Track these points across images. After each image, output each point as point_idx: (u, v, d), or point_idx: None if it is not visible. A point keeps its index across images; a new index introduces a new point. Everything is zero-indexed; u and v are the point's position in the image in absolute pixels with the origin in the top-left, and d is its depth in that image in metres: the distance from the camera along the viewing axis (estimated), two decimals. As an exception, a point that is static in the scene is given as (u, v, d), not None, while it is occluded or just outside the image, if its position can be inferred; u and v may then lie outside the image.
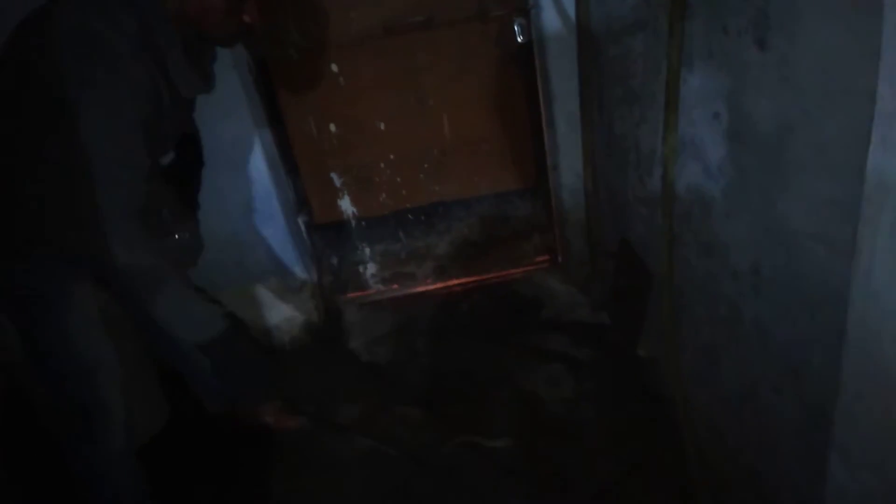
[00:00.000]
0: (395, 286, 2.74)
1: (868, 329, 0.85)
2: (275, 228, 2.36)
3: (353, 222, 2.65)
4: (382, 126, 2.45)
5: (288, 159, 2.45)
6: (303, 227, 2.56)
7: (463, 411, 2.13)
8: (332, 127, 2.44)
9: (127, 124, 1.32)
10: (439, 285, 2.72)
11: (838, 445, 0.97)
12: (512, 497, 1.81)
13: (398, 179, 2.56)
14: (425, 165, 2.55)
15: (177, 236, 1.87)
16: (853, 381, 0.92)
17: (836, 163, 0.95)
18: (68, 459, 1.59)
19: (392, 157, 2.52)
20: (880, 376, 0.84)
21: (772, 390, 1.34)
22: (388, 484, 1.92)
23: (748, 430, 1.49)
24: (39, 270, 1.47)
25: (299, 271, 2.47)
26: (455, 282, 2.72)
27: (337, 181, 2.54)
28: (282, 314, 2.50)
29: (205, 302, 1.65)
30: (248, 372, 2.05)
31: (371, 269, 2.75)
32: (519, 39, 2.26)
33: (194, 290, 1.68)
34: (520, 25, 2.24)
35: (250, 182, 2.27)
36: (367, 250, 2.72)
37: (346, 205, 2.60)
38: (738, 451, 1.55)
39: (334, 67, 2.34)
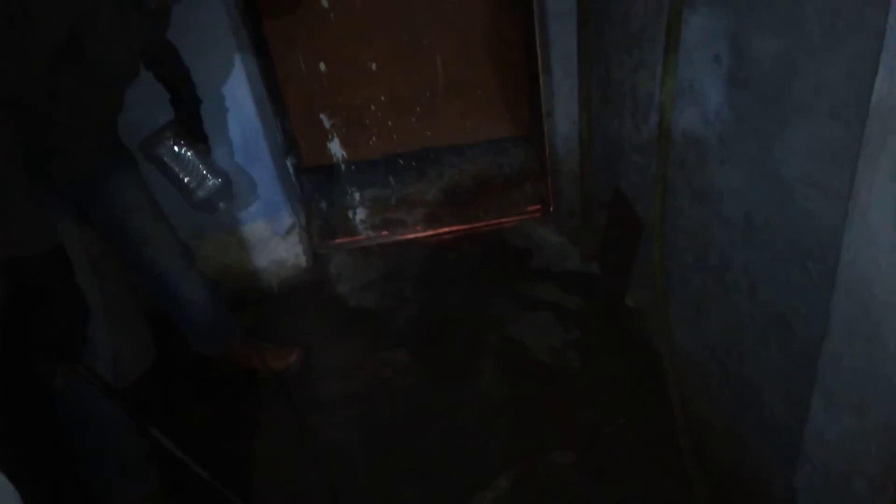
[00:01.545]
0: (385, 232, 2.72)
1: (859, 272, 0.84)
2: (262, 170, 2.31)
3: (343, 166, 2.61)
4: (374, 66, 2.39)
5: (276, 99, 2.39)
6: (291, 170, 2.52)
7: (450, 357, 2.15)
8: (322, 66, 2.37)
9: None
10: (429, 233, 2.71)
11: (821, 389, 0.97)
12: (496, 440, 1.83)
13: (389, 123, 2.51)
14: (417, 109, 2.49)
15: (211, 181, 1.88)
16: (840, 325, 0.92)
17: (838, 103, 0.92)
18: (56, 401, 1.59)
19: (383, 99, 2.46)
20: (868, 319, 0.83)
21: (757, 338, 1.35)
22: (375, 424, 1.94)
23: (732, 377, 1.50)
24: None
25: (287, 214, 2.44)
26: (445, 229, 2.71)
27: (326, 123, 2.49)
28: (269, 257, 2.48)
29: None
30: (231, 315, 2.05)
31: (360, 214, 2.72)
32: (517, -22, 2.19)
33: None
34: (518, -37, 2.17)
35: (237, 121, 2.21)
36: (357, 195, 2.68)
37: (335, 148, 2.55)
38: (721, 398, 1.57)
39: (324, 3, 2.25)
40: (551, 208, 2.65)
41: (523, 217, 2.69)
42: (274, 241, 2.46)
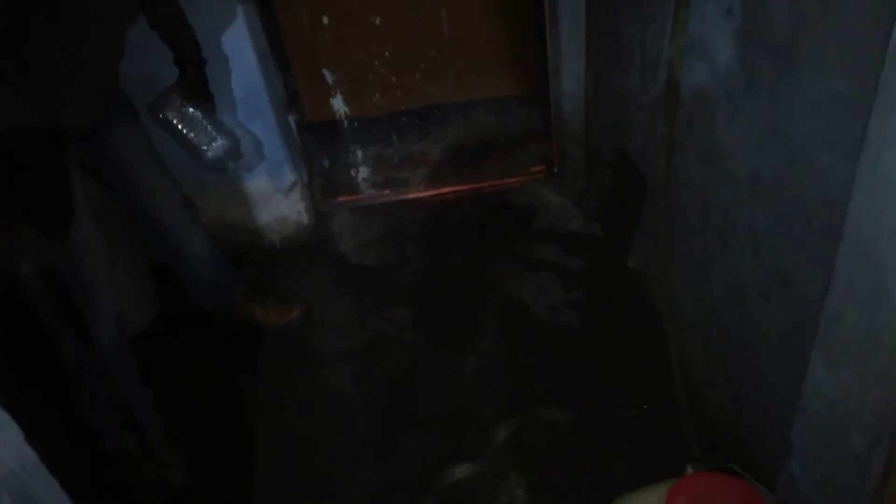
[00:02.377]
0: (387, 191, 2.71)
1: (866, 226, 0.84)
2: (264, 125, 2.29)
3: (346, 123, 2.58)
4: (378, 21, 2.34)
5: (279, 53, 2.35)
6: (293, 126, 2.49)
7: (451, 314, 2.16)
8: (325, 20, 2.33)
9: None
10: (432, 192, 2.69)
11: (821, 344, 0.98)
12: (495, 396, 1.85)
13: (393, 79, 2.48)
14: (421, 65, 2.46)
15: (221, 141, 1.87)
16: (843, 281, 0.92)
17: (853, 56, 0.90)
18: (61, 350, 1.61)
19: (387, 54, 2.42)
20: (872, 273, 0.83)
21: (759, 297, 1.36)
22: (376, 378, 1.97)
23: (731, 336, 1.52)
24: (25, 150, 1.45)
25: (289, 171, 2.42)
26: (448, 189, 2.69)
27: (329, 78, 2.45)
28: (271, 214, 2.47)
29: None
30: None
31: (363, 172, 2.70)
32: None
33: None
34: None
35: (239, 75, 2.18)
36: (360, 153, 2.66)
37: (338, 104, 2.53)
38: (719, 357, 1.58)
39: (328, -47, 2.21)
40: (555, 169, 2.63)
41: (527, 178, 2.68)
42: (276, 198, 2.45)
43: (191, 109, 1.84)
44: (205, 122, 1.87)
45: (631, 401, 1.77)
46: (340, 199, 2.70)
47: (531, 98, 2.58)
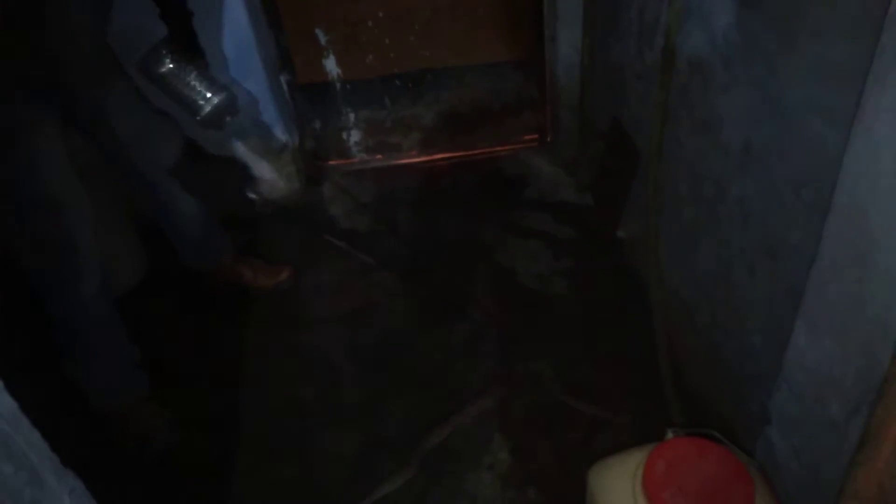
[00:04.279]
0: (379, 156, 2.68)
1: (856, 195, 0.83)
2: (255, 84, 2.25)
3: (338, 85, 2.54)
4: (372, -21, 2.29)
5: (270, 11, 2.29)
6: (285, 86, 2.44)
7: (439, 280, 2.16)
8: (319, -23, 2.27)
9: None
10: (424, 158, 2.67)
11: (805, 314, 0.99)
12: (482, 362, 1.87)
13: (386, 41, 2.43)
14: (415, 27, 2.41)
15: (216, 96, 1.84)
16: (830, 251, 0.92)
17: (853, 21, 0.89)
18: (46, 304, 1.60)
19: (381, 14, 2.37)
20: (861, 243, 0.83)
21: (746, 269, 1.36)
22: (363, 342, 1.97)
23: (717, 308, 1.52)
24: (5, 105, 1.44)
25: (280, 132, 2.38)
26: (440, 155, 2.67)
27: (322, 38, 2.40)
28: (261, 175, 2.44)
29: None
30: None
31: (355, 136, 2.67)
32: None
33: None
34: None
35: (230, 34, 2.13)
36: (352, 116, 2.63)
37: (330, 65, 2.48)
38: (703, 327, 1.60)
39: None
40: (548, 138, 2.61)
41: (519, 146, 2.66)
42: (266, 159, 2.42)
43: (183, 65, 1.80)
44: (197, 77, 1.83)
45: (615, 370, 1.79)
46: (331, 162, 2.67)
47: (526, 64, 2.54)
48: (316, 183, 2.60)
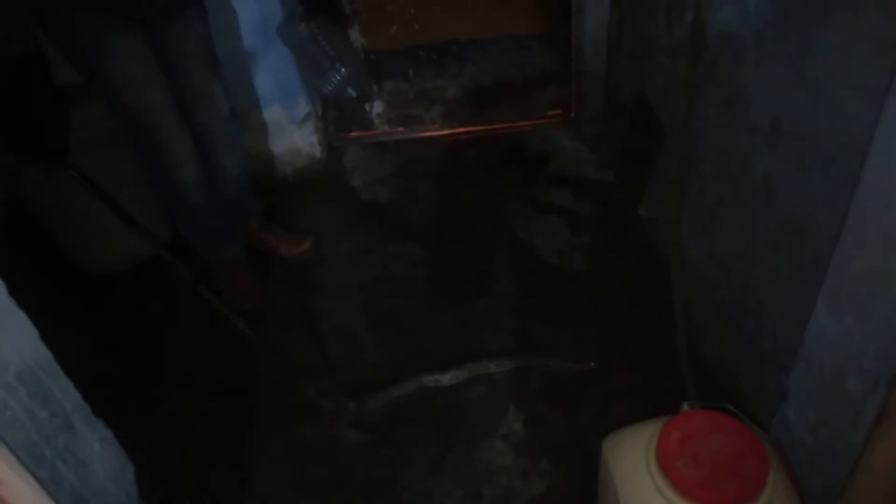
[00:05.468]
0: (401, 128, 2.68)
1: (885, 170, 0.83)
2: (279, 54, 2.24)
3: (362, 55, 2.53)
4: (399, -51, 2.27)
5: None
6: (309, 56, 2.44)
7: (458, 253, 2.17)
8: (345, -55, 2.26)
9: None
10: (446, 131, 2.66)
11: (828, 290, 0.98)
12: (498, 335, 1.88)
13: (412, 11, 2.42)
14: (441, -2, 2.40)
15: (344, 67, 1.84)
16: (857, 226, 0.91)
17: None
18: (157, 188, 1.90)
19: (407, -16, 2.36)
20: (888, 217, 0.83)
21: (768, 247, 1.35)
22: (381, 312, 1.99)
23: (737, 285, 1.52)
24: (95, 22, 1.54)
25: (303, 102, 2.39)
26: (462, 129, 2.66)
27: (346, 7, 2.39)
28: (284, 145, 2.46)
29: None
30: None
31: (377, 108, 2.67)
32: None
33: None
34: None
35: (255, 2, 2.13)
36: (375, 87, 2.63)
37: (354, 35, 2.48)
38: (723, 305, 1.59)
39: None
40: (572, 114, 2.59)
41: (543, 121, 2.64)
42: (289, 128, 2.43)
43: (322, 34, 1.79)
44: (333, 46, 1.82)
45: (631, 346, 1.79)
46: (354, 134, 2.67)
47: (552, 38, 2.51)
48: (338, 153, 2.61)
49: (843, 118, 1.04)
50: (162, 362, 1.91)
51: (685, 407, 1.12)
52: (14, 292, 0.81)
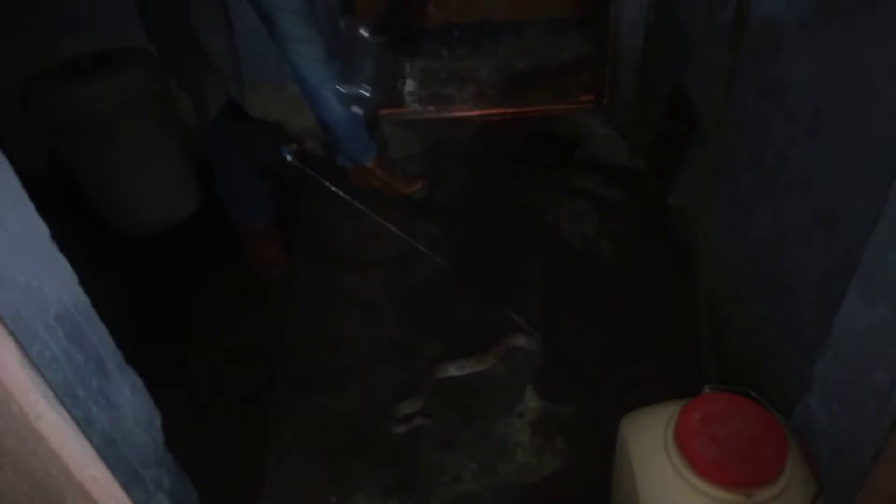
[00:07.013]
0: (432, 108, 2.68)
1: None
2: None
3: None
4: (438, -75, 2.26)
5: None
6: (343, 31, 2.45)
7: (484, 234, 2.17)
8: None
9: None
10: (477, 112, 2.66)
11: (860, 280, 0.97)
12: (529, 312, 1.88)
13: (449, -12, 2.41)
14: (479, -23, 2.38)
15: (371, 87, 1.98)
16: (893, 214, 0.90)
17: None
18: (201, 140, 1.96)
19: (445, -38, 2.35)
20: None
21: (800, 239, 1.34)
22: (405, 287, 2.01)
23: (765, 278, 1.50)
24: None
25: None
26: (493, 111, 2.66)
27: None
28: (314, 119, 2.47)
29: None
30: None
31: (409, 86, 2.67)
32: None
33: None
34: None
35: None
36: (407, 65, 2.63)
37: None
38: (750, 296, 1.58)
39: None
40: (605, 100, 2.57)
41: (575, 107, 2.62)
42: (321, 102, 2.44)
43: (376, 49, 1.87)
44: (374, 63, 1.92)
45: (654, 333, 1.79)
46: (384, 111, 2.68)
47: (588, 22, 2.49)
48: (367, 130, 2.62)
49: (886, 107, 1.02)
50: (192, 322, 1.95)
51: (706, 390, 1.12)
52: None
